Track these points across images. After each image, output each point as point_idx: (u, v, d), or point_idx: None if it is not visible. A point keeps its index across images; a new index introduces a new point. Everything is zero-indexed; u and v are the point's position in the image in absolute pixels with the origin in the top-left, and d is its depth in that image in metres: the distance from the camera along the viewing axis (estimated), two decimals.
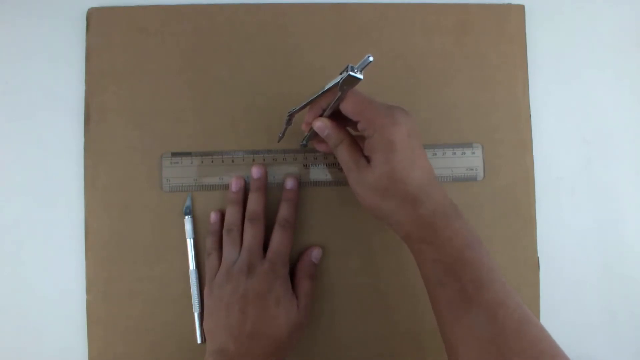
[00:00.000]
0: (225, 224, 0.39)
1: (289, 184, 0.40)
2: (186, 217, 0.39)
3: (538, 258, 0.41)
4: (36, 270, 0.40)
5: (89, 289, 0.39)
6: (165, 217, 0.40)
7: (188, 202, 0.40)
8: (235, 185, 0.40)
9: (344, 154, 0.34)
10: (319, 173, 0.41)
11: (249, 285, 0.35)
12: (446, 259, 0.31)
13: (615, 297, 0.43)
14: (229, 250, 0.38)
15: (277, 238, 0.38)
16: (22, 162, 0.41)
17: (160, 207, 0.40)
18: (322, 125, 0.34)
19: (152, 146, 0.40)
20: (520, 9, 0.43)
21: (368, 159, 0.33)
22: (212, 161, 0.40)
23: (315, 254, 0.40)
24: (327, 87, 0.31)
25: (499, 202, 0.41)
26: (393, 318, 0.40)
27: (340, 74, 0.29)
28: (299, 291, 0.38)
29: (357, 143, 0.34)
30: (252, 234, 0.38)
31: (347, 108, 0.32)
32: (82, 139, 0.40)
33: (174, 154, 0.40)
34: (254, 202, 0.39)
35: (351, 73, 0.29)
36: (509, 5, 0.43)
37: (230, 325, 0.35)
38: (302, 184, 0.41)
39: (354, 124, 0.33)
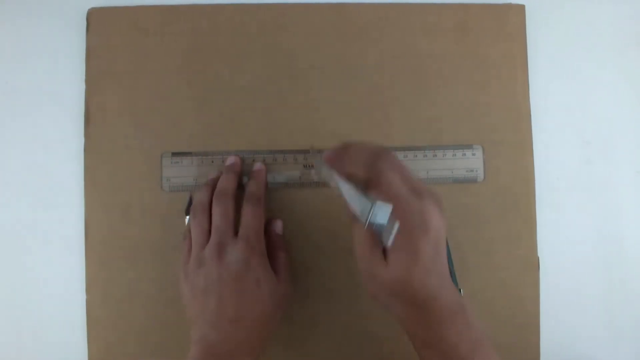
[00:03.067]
0: (192, 205, 0.37)
1: (257, 165, 0.40)
2: (186, 217, 0.39)
3: (538, 258, 0.41)
4: (36, 270, 0.40)
5: (88, 289, 0.39)
6: (165, 217, 0.40)
7: (188, 202, 0.40)
8: (212, 174, 0.39)
9: (362, 235, 0.30)
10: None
11: (223, 268, 0.33)
12: None
13: (615, 297, 0.43)
14: (196, 232, 0.36)
15: (248, 214, 0.35)
16: (22, 162, 0.41)
17: (160, 207, 0.40)
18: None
19: (152, 146, 0.40)
20: (521, 8, 0.43)
21: (384, 251, 0.30)
22: (212, 161, 0.40)
23: (276, 225, 0.39)
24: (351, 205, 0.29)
25: (499, 203, 0.41)
26: (392, 319, 0.40)
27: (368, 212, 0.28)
28: (276, 265, 0.36)
29: None
30: (220, 213, 0.35)
31: (377, 198, 0.29)
32: (82, 139, 0.40)
33: (174, 154, 0.40)
34: (224, 180, 0.37)
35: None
36: (509, 5, 0.43)
37: (209, 313, 0.33)
38: (303, 185, 0.40)
39: None
